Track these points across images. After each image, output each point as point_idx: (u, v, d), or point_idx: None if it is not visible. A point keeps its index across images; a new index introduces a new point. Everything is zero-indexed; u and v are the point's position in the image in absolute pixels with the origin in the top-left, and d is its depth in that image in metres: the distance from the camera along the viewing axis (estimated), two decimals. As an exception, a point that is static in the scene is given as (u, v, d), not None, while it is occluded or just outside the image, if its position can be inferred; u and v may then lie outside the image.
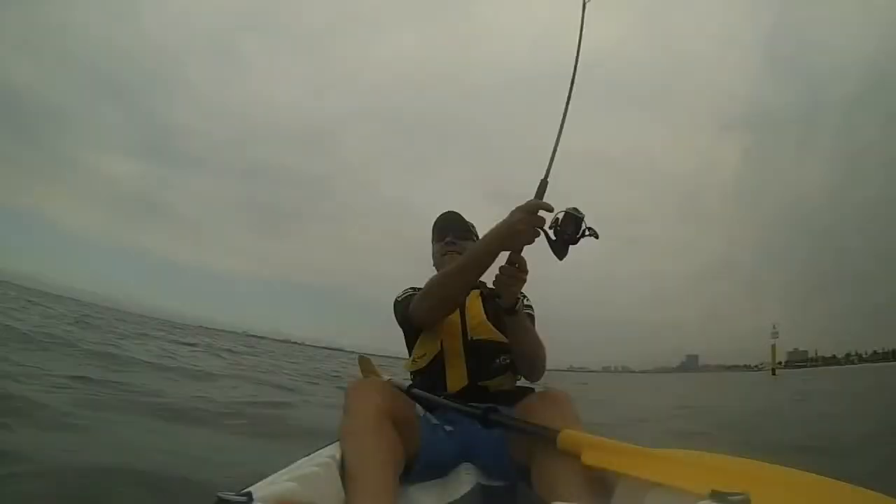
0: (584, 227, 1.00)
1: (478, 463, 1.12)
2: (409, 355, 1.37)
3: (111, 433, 2.15)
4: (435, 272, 1.44)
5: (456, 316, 1.30)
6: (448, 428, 1.16)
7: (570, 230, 0.99)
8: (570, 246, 1.01)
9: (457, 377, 1.23)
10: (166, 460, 1.78)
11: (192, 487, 1.49)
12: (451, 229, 1.42)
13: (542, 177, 1.07)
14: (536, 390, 1.26)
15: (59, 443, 1.85)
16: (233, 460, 1.95)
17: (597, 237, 1.00)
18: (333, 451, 0.93)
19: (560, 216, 1.01)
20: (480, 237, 1.15)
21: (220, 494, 0.58)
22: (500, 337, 1.28)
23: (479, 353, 1.26)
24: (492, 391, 1.23)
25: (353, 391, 1.03)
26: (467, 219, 1.46)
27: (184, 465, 1.75)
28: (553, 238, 1.01)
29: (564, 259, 1.01)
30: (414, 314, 1.26)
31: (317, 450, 0.96)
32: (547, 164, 1.09)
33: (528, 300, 1.36)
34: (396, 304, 1.38)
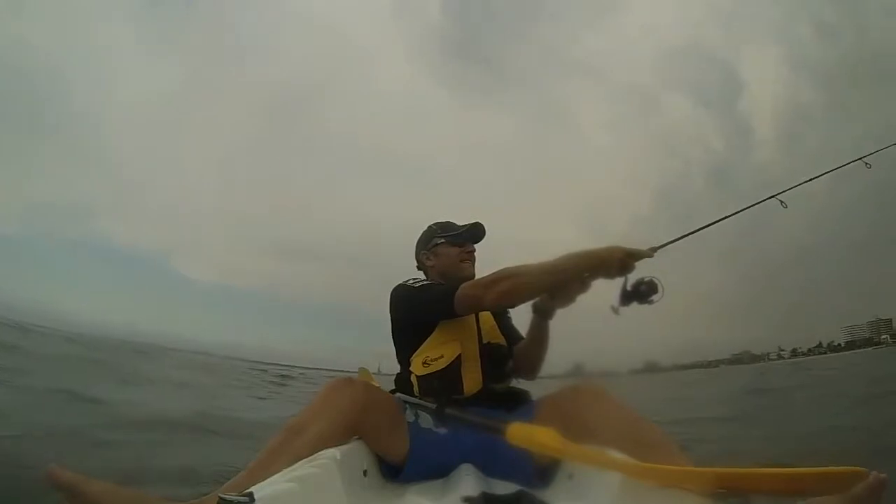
0: (655, 298, 1.10)
1: (478, 464, 1.12)
2: (404, 358, 1.32)
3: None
4: (423, 275, 1.49)
5: (471, 319, 1.30)
6: (443, 430, 1.17)
7: (643, 290, 1.10)
8: (633, 303, 1.11)
9: (473, 380, 1.24)
10: None
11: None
12: (479, 238, 1.48)
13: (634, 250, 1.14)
14: (532, 393, 1.31)
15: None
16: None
17: (650, 304, 1.11)
18: (334, 451, 0.94)
19: (646, 278, 1.10)
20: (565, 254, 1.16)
21: (221, 495, 0.59)
22: (505, 341, 1.36)
23: (492, 357, 1.29)
24: (499, 395, 1.26)
25: (330, 382, 1.12)
26: None
27: None
28: (628, 289, 1.11)
29: (618, 312, 1.12)
30: (469, 299, 1.19)
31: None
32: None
33: None
34: (408, 290, 1.32)
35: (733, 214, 1.30)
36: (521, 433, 0.90)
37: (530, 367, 1.38)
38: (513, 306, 1.37)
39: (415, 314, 1.29)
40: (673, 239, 1.20)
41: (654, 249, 1.15)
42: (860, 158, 1.41)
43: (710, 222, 1.26)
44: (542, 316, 1.32)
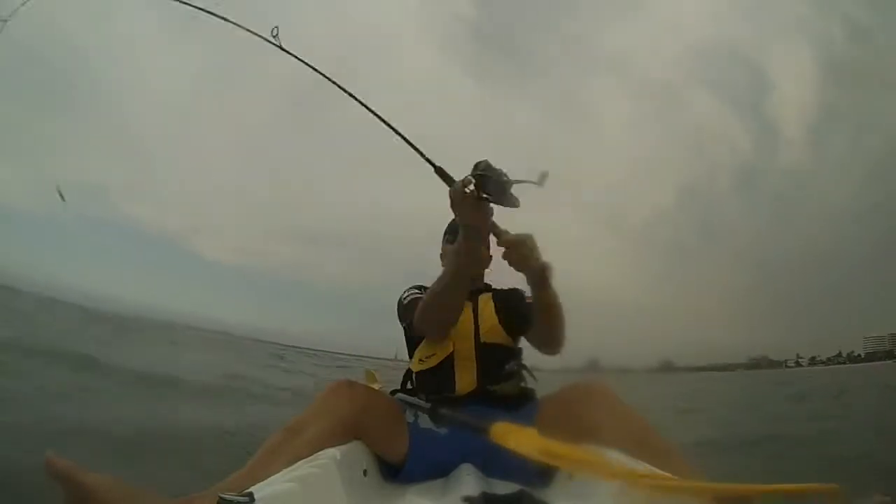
0: (504, 178, 0.95)
1: (478, 464, 1.12)
2: (411, 354, 1.37)
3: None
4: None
5: (469, 318, 1.30)
6: (443, 430, 1.17)
7: (490, 188, 0.94)
8: (510, 192, 0.95)
9: (466, 380, 1.24)
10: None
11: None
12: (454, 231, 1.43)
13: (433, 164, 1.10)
14: (537, 394, 1.30)
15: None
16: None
17: (538, 183, 0.94)
18: (334, 451, 0.94)
19: (471, 183, 0.95)
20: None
21: (221, 495, 0.59)
22: (511, 342, 1.31)
23: (489, 358, 1.27)
24: (498, 396, 1.24)
25: (330, 384, 1.13)
26: None
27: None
28: (485, 195, 0.95)
29: (517, 203, 0.95)
30: (420, 329, 1.28)
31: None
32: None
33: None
34: (401, 305, 1.38)
35: None
36: (504, 433, 0.88)
37: (547, 340, 1.26)
38: (434, 328, 1.28)
39: (405, 327, 1.38)
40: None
41: (476, 174, 0.96)
42: None
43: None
44: (538, 287, 1.17)
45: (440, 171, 1.09)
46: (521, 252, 1.07)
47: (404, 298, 1.38)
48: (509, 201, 0.96)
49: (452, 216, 1.11)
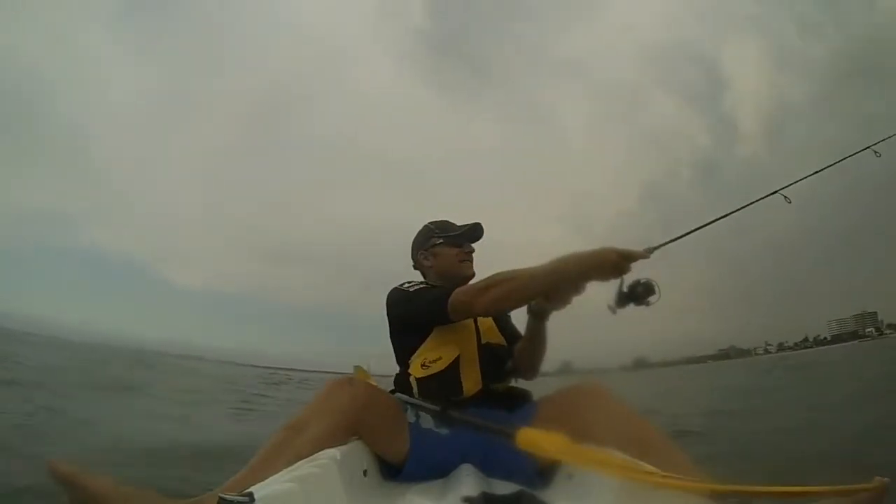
0: (652, 299, 1.07)
1: (478, 464, 1.13)
2: (403, 358, 1.32)
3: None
4: (421, 275, 1.48)
5: (470, 320, 1.30)
6: (444, 430, 1.17)
7: (640, 292, 1.07)
8: (630, 305, 1.08)
9: (472, 381, 1.24)
10: None
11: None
12: (477, 238, 1.47)
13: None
14: (533, 394, 1.31)
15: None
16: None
17: (647, 306, 1.08)
18: (334, 451, 0.94)
19: (643, 279, 1.08)
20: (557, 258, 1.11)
21: (222, 495, 0.59)
22: (504, 341, 1.36)
23: (491, 358, 1.29)
24: (499, 396, 1.26)
25: (331, 381, 1.12)
26: None
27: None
28: (624, 290, 1.08)
29: (615, 312, 1.09)
30: (461, 305, 1.18)
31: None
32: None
33: None
34: (403, 295, 1.31)
35: (736, 211, 1.25)
36: (531, 438, 0.89)
37: (529, 367, 1.37)
38: (506, 312, 1.38)
39: (410, 318, 1.29)
40: (669, 239, 1.16)
41: (650, 250, 1.11)
42: (868, 147, 1.35)
43: (707, 222, 1.22)
44: (537, 317, 1.30)
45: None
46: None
47: (408, 289, 1.32)
48: (622, 304, 1.09)
49: (422, 225, 1.40)
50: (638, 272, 1.08)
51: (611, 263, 1.05)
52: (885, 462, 1.87)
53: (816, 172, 1.35)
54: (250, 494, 0.60)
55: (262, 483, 0.70)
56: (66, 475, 0.79)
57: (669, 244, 1.16)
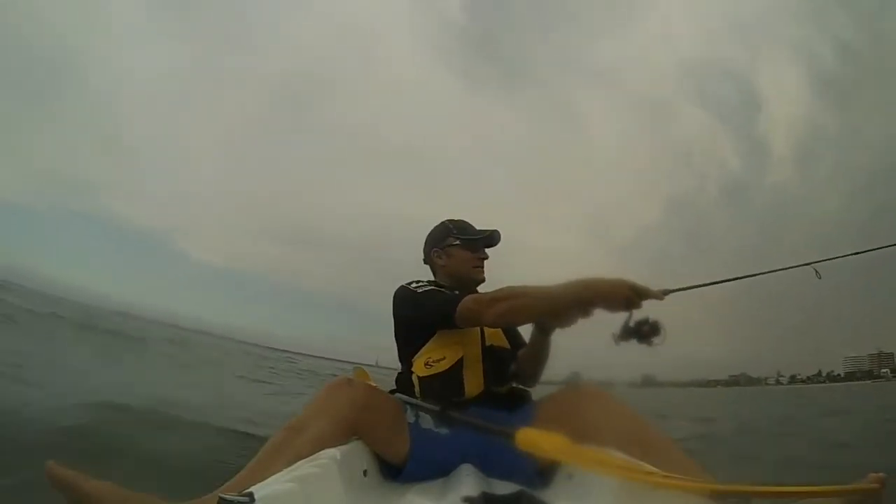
0: (656, 340, 1.04)
1: (478, 464, 1.13)
2: (406, 356, 1.32)
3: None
4: (430, 271, 1.48)
5: None
6: (444, 431, 1.18)
7: (645, 331, 1.04)
8: (632, 340, 1.05)
9: (475, 383, 1.24)
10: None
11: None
12: (493, 245, 1.45)
13: None
14: (533, 395, 1.32)
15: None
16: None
17: (649, 346, 1.05)
18: (334, 451, 0.94)
19: (651, 319, 1.04)
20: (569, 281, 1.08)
21: (222, 495, 0.59)
22: (508, 345, 1.36)
23: (495, 360, 1.29)
24: (500, 397, 1.26)
25: (330, 382, 1.13)
26: None
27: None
28: (631, 325, 1.05)
29: (618, 343, 1.06)
30: (469, 313, 1.16)
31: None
32: None
33: None
34: (411, 295, 1.30)
35: (761, 274, 1.19)
36: (531, 439, 0.89)
37: (530, 375, 1.37)
38: (513, 326, 1.37)
39: (417, 319, 1.29)
40: (688, 286, 1.13)
41: (666, 292, 1.08)
42: (809, 263, 1.21)
43: (729, 277, 1.17)
44: (542, 331, 1.29)
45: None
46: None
47: (416, 289, 1.31)
48: (625, 338, 1.05)
49: (440, 221, 1.36)
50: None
51: (623, 297, 1.02)
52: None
53: (856, 254, 1.26)
54: (250, 494, 0.60)
55: (262, 483, 0.70)
56: (63, 480, 0.79)
57: (687, 290, 1.12)
